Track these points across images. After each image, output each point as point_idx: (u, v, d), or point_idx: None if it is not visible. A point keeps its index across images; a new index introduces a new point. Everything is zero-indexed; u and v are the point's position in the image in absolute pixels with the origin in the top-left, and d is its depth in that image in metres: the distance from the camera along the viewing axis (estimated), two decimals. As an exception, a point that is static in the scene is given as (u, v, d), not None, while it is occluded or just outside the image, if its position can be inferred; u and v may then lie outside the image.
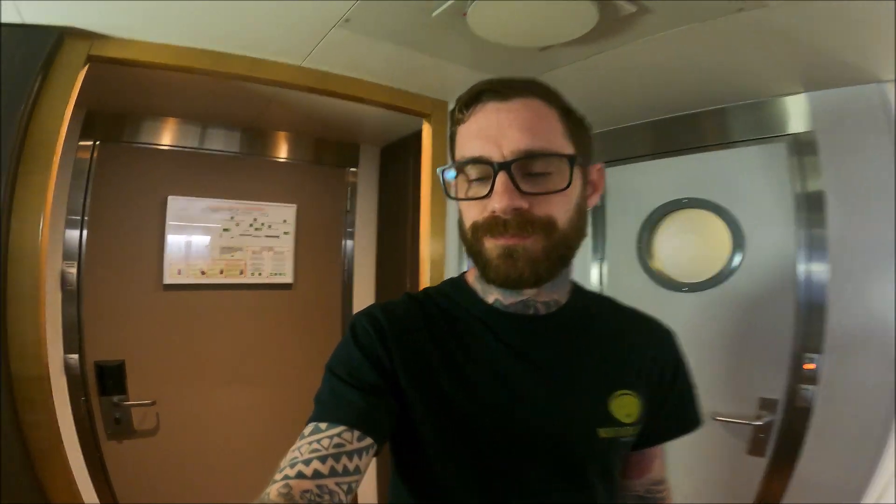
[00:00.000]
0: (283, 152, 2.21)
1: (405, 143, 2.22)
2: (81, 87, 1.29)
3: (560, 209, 0.60)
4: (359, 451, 0.54)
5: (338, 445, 0.53)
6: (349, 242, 2.31)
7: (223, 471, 1.96)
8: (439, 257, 1.72)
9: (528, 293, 0.67)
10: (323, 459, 0.51)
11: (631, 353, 0.72)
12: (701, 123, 1.60)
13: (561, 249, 0.61)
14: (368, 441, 0.56)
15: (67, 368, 1.70)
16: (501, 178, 0.57)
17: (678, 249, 1.64)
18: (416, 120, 1.83)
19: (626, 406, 0.68)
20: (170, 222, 1.94)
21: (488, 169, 0.59)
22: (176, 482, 1.86)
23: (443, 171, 0.65)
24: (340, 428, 0.54)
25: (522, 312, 0.68)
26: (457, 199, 0.65)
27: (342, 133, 2.25)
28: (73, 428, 1.67)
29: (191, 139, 2.04)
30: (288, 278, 2.14)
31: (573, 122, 0.64)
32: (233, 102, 1.90)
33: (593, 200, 0.69)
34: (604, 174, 0.70)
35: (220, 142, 2.08)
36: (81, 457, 1.66)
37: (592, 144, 0.69)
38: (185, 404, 1.92)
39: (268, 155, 2.18)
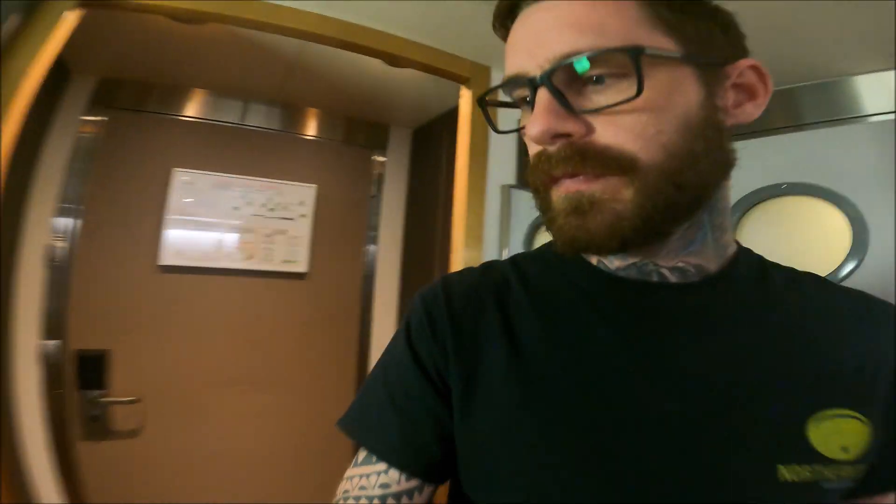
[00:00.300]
0: (304, 128, 2.01)
1: (440, 122, 1.99)
2: (94, 51, 1.12)
3: (642, 132, 0.39)
4: (408, 492, 0.46)
5: (383, 486, 0.46)
6: (373, 231, 2.07)
7: (211, 484, 1.71)
8: (474, 257, 1.46)
9: (641, 253, 0.46)
10: (370, 499, 0.46)
11: (855, 355, 0.45)
12: (795, 97, 1.32)
13: (663, 192, 0.40)
14: (416, 482, 0.46)
15: (45, 356, 1.50)
16: (540, 95, 0.40)
17: (773, 244, 1.34)
18: (453, 96, 1.60)
19: (842, 433, 0.41)
20: (174, 197, 1.74)
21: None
22: (155, 493, 1.62)
23: (483, 100, 0.49)
24: (384, 465, 0.46)
25: (642, 279, 0.46)
26: (503, 132, 0.50)
27: (371, 111, 2.04)
28: (42, 424, 1.46)
29: (206, 110, 1.86)
30: (301, 266, 1.90)
31: (675, 3, 0.42)
32: (253, 70, 1.74)
33: (746, 113, 0.44)
34: (764, 76, 0.44)
35: (237, 114, 1.90)
36: (49, 457, 1.45)
37: (732, 32, 0.45)
38: (174, 404, 1.69)
39: (288, 130, 1.97)
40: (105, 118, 1.69)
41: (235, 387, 1.78)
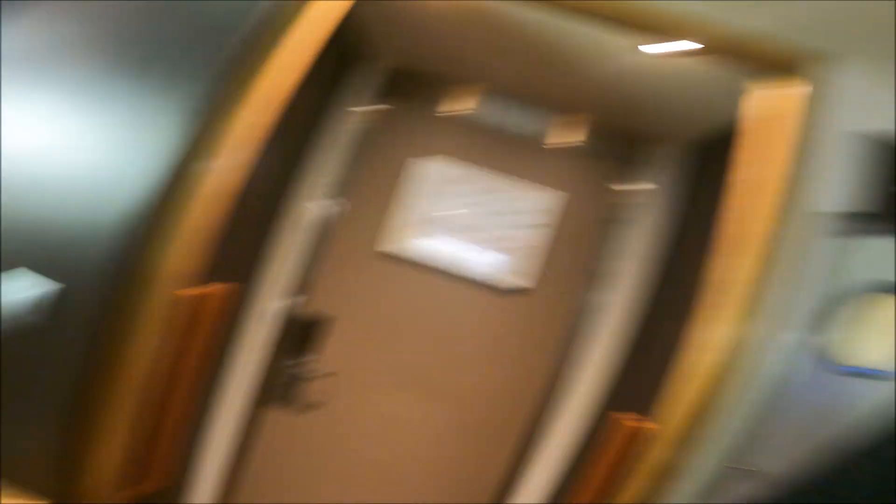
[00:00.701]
0: (561, 135, 1.80)
1: (723, 141, 1.56)
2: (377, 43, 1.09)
3: None
4: None
5: None
6: (611, 262, 1.74)
7: (351, 483, 1.67)
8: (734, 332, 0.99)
9: None
10: None
11: None
12: None
13: None
14: None
15: (269, 315, 1.61)
16: None
17: None
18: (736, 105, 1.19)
19: None
20: (408, 186, 1.74)
21: None
22: (307, 472, 1.64)
23: None
24: None
25: None
26: None
27: (638, 123, 1.74)
28: (246, 381, 1.57)
29: (466, 105, 1.80)
30: (528, 281, 1.70)
31: None
32: (519, 68, 1.60)
33: None
34: None
35: (493, 111, 1.80)
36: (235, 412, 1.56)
37: None
38: (354, 397, 1.70)
39: (541, 133, 1.80)
40: (378, 107, 1.77)
41: (415, 392, 1.72)
